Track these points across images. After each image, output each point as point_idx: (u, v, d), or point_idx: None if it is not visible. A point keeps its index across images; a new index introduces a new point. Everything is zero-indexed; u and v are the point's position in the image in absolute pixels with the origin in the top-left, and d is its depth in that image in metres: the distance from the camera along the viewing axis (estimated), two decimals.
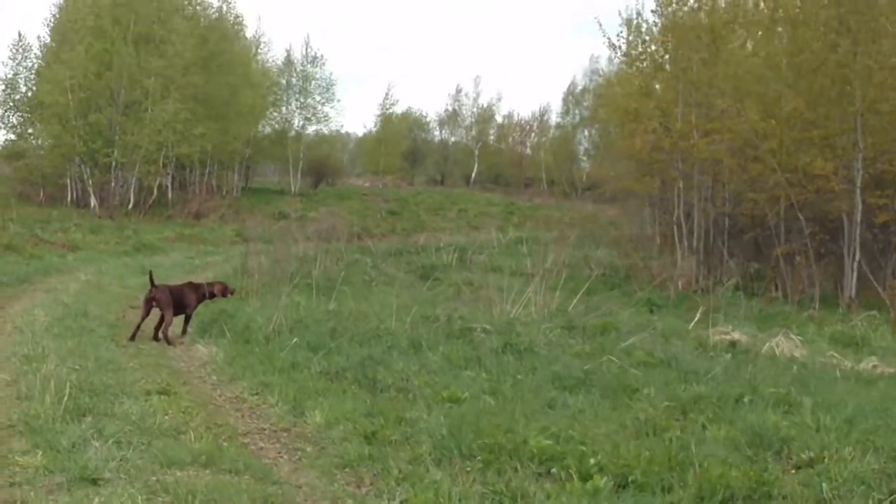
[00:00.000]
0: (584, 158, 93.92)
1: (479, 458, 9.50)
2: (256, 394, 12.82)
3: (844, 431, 10.61)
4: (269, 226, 45.16)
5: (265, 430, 11.30)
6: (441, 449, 9.82)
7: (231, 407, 12.32)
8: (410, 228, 46.98)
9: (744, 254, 27.04)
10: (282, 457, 10.27)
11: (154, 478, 8.97)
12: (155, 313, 17.18)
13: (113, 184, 46.17)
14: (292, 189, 68.32)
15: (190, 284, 17.87)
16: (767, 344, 16.52)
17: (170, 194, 51.93)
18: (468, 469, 9.31)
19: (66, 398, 11.14)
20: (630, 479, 8.85)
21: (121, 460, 9.35)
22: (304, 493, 9.04)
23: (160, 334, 16.86)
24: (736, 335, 17.19)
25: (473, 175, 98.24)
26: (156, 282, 17.11)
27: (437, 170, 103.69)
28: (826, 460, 9.52)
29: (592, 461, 9.21)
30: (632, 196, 42.30)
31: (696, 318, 18.08)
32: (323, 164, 76.67)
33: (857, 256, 24.10)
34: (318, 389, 12.43)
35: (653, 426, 10.76)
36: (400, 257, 30.50)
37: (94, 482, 8.80)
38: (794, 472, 9.48)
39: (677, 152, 27.03)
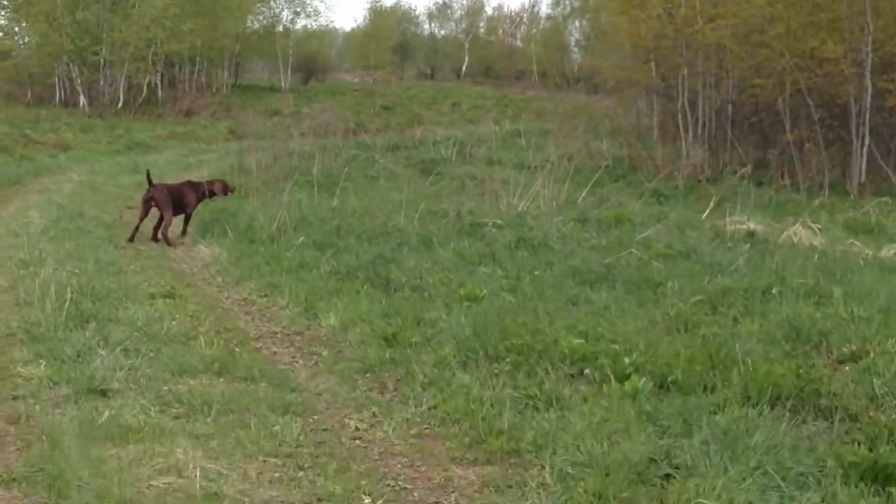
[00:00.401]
0: (576, 50, 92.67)
1: (506, 359, 8.92)
2: (265, 295, 12.25)
3: (882, 322, 10.01)
4: (262, 123, 44.32)
5: (277, 333, 10.76)
6: (465, 351, 9.26)
7: (240, 310, 11.76)
8: (405, 123, 46.13)
9: (749, 142, 26.28)
10: (297, 361, 9.73)
11: (166, 387, 8.44)
12: (153, 213, 16.56)
13: (102, 82, 45.20)
14: (283, 86, 67.18)
15: (189, 183, 17.23)
16: (785, 233, 15.93)
17: (159, 92, 50.89)
18: (496, 372, 8.75)
19: (67, 304, 10.57)
20: (670, 380, 8.27)
21: (129, 369, 8.81)
22: (325, 401, 8.50)
23: (160, 235, 16.27)
24: (751, 225, 16.60)
25: (464, 68, 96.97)
26: (153, 181, 16.41)
27: (426, 64, 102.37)
28: (871, 354, 8.92)
29: (627, 361, 8.64)
30: (628, 86, 41.42)
31: (709, 209, 17.46)
32: (313, 60, 75.46)
33: (867, 141, 23.40)
34: (329, 290, 11.83)
35: (683, 322, 10.20)
36: (398, 152, 29.76)
37: (103, 393, 8.27)
38: (838, 366, 8.88)
39: (681, 39, 26.13)
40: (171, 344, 9.72)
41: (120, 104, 45.81)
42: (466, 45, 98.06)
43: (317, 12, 67.85)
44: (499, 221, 15.24)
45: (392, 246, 14.28)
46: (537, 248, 14.08)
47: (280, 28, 69.21)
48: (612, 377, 8.31)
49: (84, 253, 14.20)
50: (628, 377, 8.31)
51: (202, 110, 46.59)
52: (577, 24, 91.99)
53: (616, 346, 9.03)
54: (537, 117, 50.06)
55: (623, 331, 9.75)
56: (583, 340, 9.14)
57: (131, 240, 16.13)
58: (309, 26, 74.64)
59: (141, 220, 16.43)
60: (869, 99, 22.80)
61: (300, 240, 14.17)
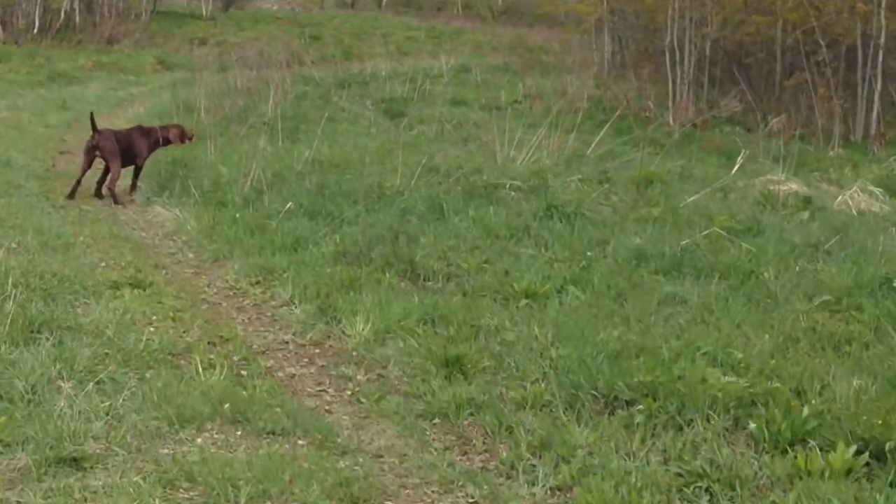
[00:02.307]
0: None
1: (634, 405, 6.29)
2: (257, 282, 9.56)
3: None
4: (189, 52, 41.00)
5: (288, 344, 8.12)
6: (567, 387, 6.59)
7: (231, 306, 9.06)
8: (341, 55, 42.94)
9: (738, 86, 23.63)
10: (327, 392, 7.15)
11: (165, 450, 5.80)
12: (97, 165, 13.64)
13: (15, 5, 41.35)
14: (203, 12, 63.14)
15: (140, 128, 14.32)
16: (840, 197, 13.42)
17: (76, 18, 46.96)
18: (627, 424, 6.11)
19: (11, 304, 7.66)
20: (888, 447, 5.69)
21: (108, 416, 6.05)
22: (393, 471, 5.89)
23: (104, 190, 13.38)
24: (794, 186, 14.05)
25: None
26: (98, 126, 13.47)
27: None
28: None
29: (806, 410, 6.04)
30: (568, 21, 38.79)
31: (738, 164, 14.90)
32: None
33: (878, 87, 20.87)
34: (343, 280, 9.16)
35: (829, 337, 7.64)
36: (349, 89, 26.74)
37: (76, 463, 5.58)
38: None
39: None
40: (156, 366, 7.02)
41: (35, 30, 42.02)
42: None
43: None
44: (517, 183, 12.49)
45: (394, 214, 11.55)
46: (572, 220, 11.48)
47: None
48: (788, 438, 5.73)
49: (19, 217, 11.31)
50: (809, 434, 5.74)
51: (124, 37, 42.94)
52: None
53: (777, 385, 6.40)
54: (475, 51, 47.12)
55: (759, 352, 7.15)
56: (733, 377, 6.51)
57: (71, 196, 13.31)
58: None
59: (83, 172, 13.58)
60: (883, 39, 20.17)
61: (288, 205, 11.32)
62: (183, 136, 14.41)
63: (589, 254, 10.03)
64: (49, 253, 9.89)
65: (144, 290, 8.98)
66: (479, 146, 17.15)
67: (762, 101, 23.06)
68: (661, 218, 11.42)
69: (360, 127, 19.41)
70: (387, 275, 9.36)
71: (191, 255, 10.72)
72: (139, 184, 14.12)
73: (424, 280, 9.41)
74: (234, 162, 14.78)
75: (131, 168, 14.00)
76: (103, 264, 9.86)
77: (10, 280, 8.25)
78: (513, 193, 12.38)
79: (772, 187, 14.02)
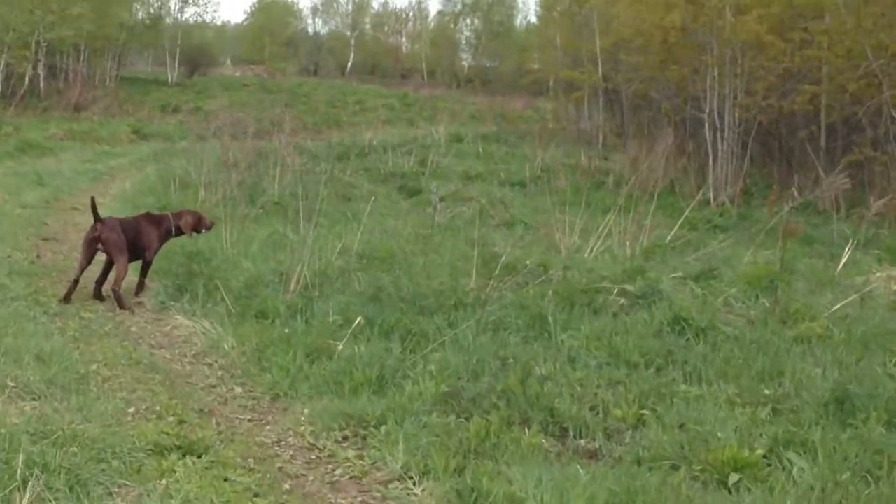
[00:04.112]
0: (466, 48, 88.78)
1: None
2: (345, 439, 6.94)
3: None
4: (162, 120, 38.48)
5: None
6: None
7: (321, 480, 6.61)
8: (321, 123, 40.57)
9: (777, 162, 21.26)
10: None
11: None
12: (97, 260, 11.00)
13: None
14: (169, 79, 60.78)
15: (149, 217, 11.72)
16: None
17: (40, 84, 44.16)
18: None
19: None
20: None
21: None
22: None
23: (110, 291, 10.75)
24: None
25: (349, 66, 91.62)
26: (100, 214, 10.89)
27: (310, 60, 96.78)
28: None
29: None
30: (569, 89, 36.62)
31: (844, 257, 12.46)
32: (200, 53, 69.14)
33: None
34: (470, 440, 6.46)
35: None
36: (348, 161, 24.22)
37: None
38: None
39: (711, 32, 20.94)
40: None
41: None
42: (352, 42, 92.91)
43: (205, 1, 61.72)
44: (629, 288, 9.94)
45: (485, 329, 8.95)
46: (709, 337, 8.90)
47: (169, 19, 62.74)
48: None
49: (9, 334, 8.67)
50: None
51: (92, 104, 40.23)
52: (468, 21, 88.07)
53: None
54: (455, 119, 44.82)
55: None
56: None
57: (67, 300, 10.72)
58: (197, 17, 68.33)
59: (81, 269, 10.97)
60: None
61: (357, 321, 8.68)
62: (199, 225, 11.83)
63: (767, 392, 7.46)
64: (59, 395, 7.26)
65: (200, 457, 6.31)
66: (530, 232, 14.60)
67: (802, 178, 20.69)
68: (826, 336, 8.87)
69: (381, 206, 16.81)
70: (525, 431, 6.71)
71: (238, 391, 8.08)
72: (146, 282, 11.44)
73: (575, 437, 6.75)
74: (257, 254, 12.19)
75: (136, 263, 11.33)
76: (133, 410, 7.24)
77: (21, 458, 5.56)
78: (621, 300, 9.79)
79: (895, 285, 11.56)
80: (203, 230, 11.91)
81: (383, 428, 6.86)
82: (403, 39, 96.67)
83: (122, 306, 10.70)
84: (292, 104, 50.56)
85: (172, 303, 10.67)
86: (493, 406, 7.15)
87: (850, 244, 12.39)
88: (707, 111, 21.01)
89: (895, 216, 17.04)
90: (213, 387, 8.23)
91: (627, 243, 13.21)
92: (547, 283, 10.63)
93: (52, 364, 7.97)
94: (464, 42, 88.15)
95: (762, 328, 9.28)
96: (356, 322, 8.72)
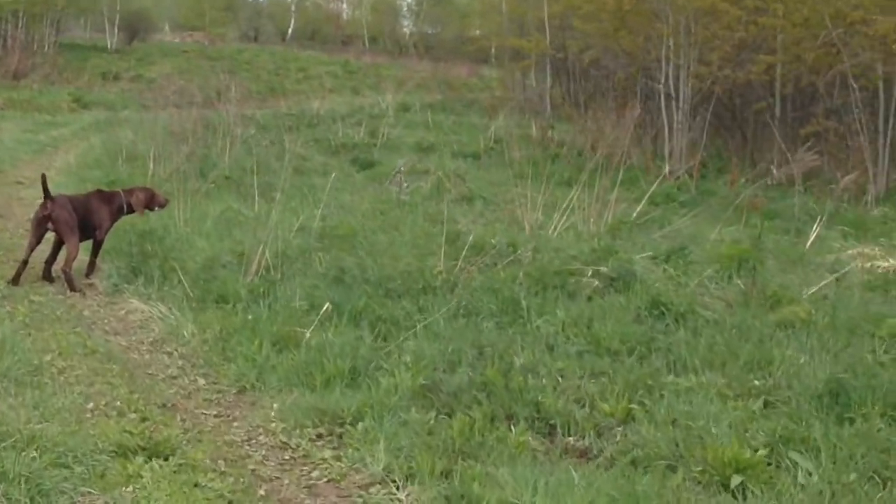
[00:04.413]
0: (407, 15, 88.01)
1: None
2: (320, 437, 6.57)
3: None
4: (103, 88, 37.60)
5: None
6: None
7: (297, 484, 6.19)
8: (266, 92, 39.86)
9: (741, 134, 20.89)
10: None
11: None
12: (47, 239, 10.50)
13: None
14: (109, 45, 59.49)
15: (100, 194, 11.18)
16: None
17: None
18: None
19: None
20: None
21: None
22: None
23: (60, 272, 10.24)
24: (894, 262, 11.38)
25: (290, 32, 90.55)
26: (51, 191, 10.37)
27: (250, 26, 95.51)
28: None
29: None
30: (516, 57, 36.19)
31: (813, 234, 12.20)
32: (139, 18, 67.76)
33: None
34: (454, 439, 6.11)
35: None
36: (298, 132, 23.63)
37: None
38: None
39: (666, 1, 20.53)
40: None
41: None
42: (293, 8, 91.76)
43: None
44: (603, 270, 9.59)
45: (456, 314, 8.58)
46: (689, 323, 8.61)
47: None
48: None
49: None
50: None
51: (31, 72, 39.16)
52: None
53: None
54: (400, 87, 44.20)
55: None
56: None
57: (16, 281, 10.23)
58: None
59: (31, 249, 10.47)
60: None
61: (325, 307, 8.26)
62: (152, 203, 11.33)
63: (757, 383, 7.15)
64: (12, 389, 6.76)
65: (167, 459, 5.88)
66: (490, 208, 14.23)
67: (757, 150, 20.44)
68: (810, 321, 8.57)
69: (335, 180, 16.29)
70: (511, 428, 6.34)
71: (202, 382, 7.65)
72: (97, 262, 10.93)
73: (563, 434, 6.39)
74: (211, 232, 11.71)
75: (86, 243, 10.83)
76: (92, 406, 6.79)
77: None
78: (595, 283, 9.43)
79: (867, 264, 11.31)
80: (156, 208, 11.41)
81: (360, 425, 6.47)
82: (344, 5, 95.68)
83: (72, 288, 10.21)
84: (235, 71, 49.76)
85: (126, 285, 10.19)
86: (475, 400, 6.78)
87: (818, 221, 12.07)
88: (662, 81, 20.63)
89: (856, 190, 16.79)
90: (175, 378, 7.78)
91: (591, 220, 12.82)
92: (516, 263, 10.26)
93: (2, 354, 7.46)
94: (405, 8, 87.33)
95: (742, 312, 8.98)
96: (324, 308, 8.30)
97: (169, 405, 7.06)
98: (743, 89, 21.22)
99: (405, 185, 12.42)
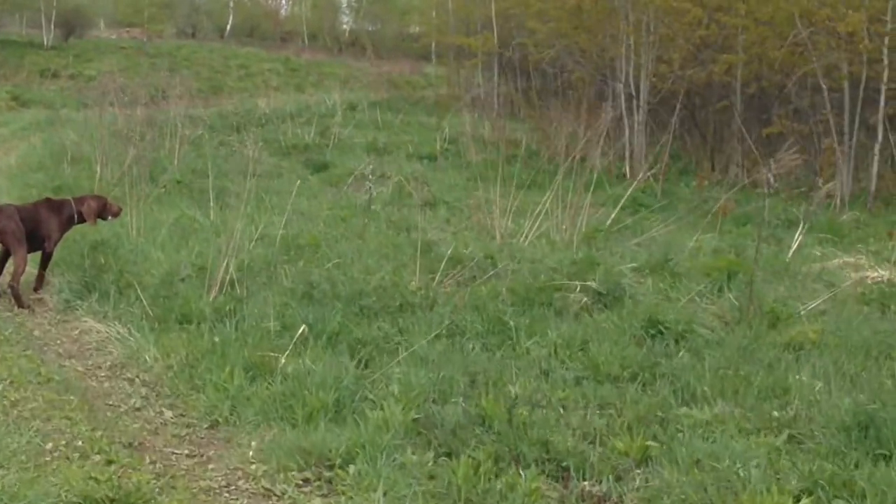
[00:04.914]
0: (347, 11, 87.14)
1: None
2: (306, 482, 6.00)
3: None
4: (41, 86, 36.48)
5: None
6: None
7: None
8: (208, 90, 38.90)
9: (694, 135, 20.34)
10: None
11: None
12: None
13: None
14: (45, 41, 58.01)
15: (48, 203, 10.37)
16: None
17: None
18: None
19: None
20: None
21: None
22: None
23: (6, 287, 9.50)
24: (884, 273, 10.87)
25: (228, 28, 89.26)
26: None
27: (187, 22, 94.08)
28: None
29: None
30: (464, 56, 35.57)
31: (796, 242, 11.66)
32: (76, 14, 66.25)
33: (881, 137, 17.64)
34: (460, 489, 5.46)
35: None
36: (246, 132, 22.80)
37: None
38: None
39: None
40: None
41: None
42: (231, 4, 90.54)
43: None
44: (593, 285, 8.96)
45: (436, 333, 7.93)
46: (689, 344, 8.00)
47: None
48: None
49: None
50: None
51: None
52: None
53: None
54: (344, 86, 43.46)
55: None
56: None
57: None
58: None
59: None
60: (885, 82, 16.96)
61: (301, 329, 7.56)
62: (104, 212, 10.56)
63: (776, 414, 6.55)
64: None
65: None
66: (455, 214, 13.59)
67: (718, 151, 19.96)
68: (821, 342, 8.00)
69: (289, 184, 15.57)
70: (521, 472, 5.68)
71: (169, 415, 6.92)
72: (45, 275, 10.16)
73: (578, 479, 5.75)
74: (167, 242, 10.96)
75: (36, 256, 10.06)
76: (51, 446, 6.07)
77: None
78: (584, 299, 8.80)
79: (856, 274, 10.80)
80: (109, 217, 10.62)
81: (352, 468, 5.79)
82: (283, 1, 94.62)
83: (20, 304, 9.46)
84: (175, 69, 48.72)
85: (79, 301, 9.45)
86: (476, 438, 6.09)
87: (800, 228, 11.54)
88: (622, 81, 20.04)
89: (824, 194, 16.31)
90: (139, 410, 7.06)
91: (564, 228, 12.21)
92: (496, 278, 9.57)
93: None
94: (345, 4, 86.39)
95: (741, 330, 8.36)
96: (299, 331, 7.57)
97: (136, 443, 6.34)
98: (703, 89, 20.68)
99: (372, 191, 11.65)
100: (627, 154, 19.24)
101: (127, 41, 67.58)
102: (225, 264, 9.12)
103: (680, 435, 6.25)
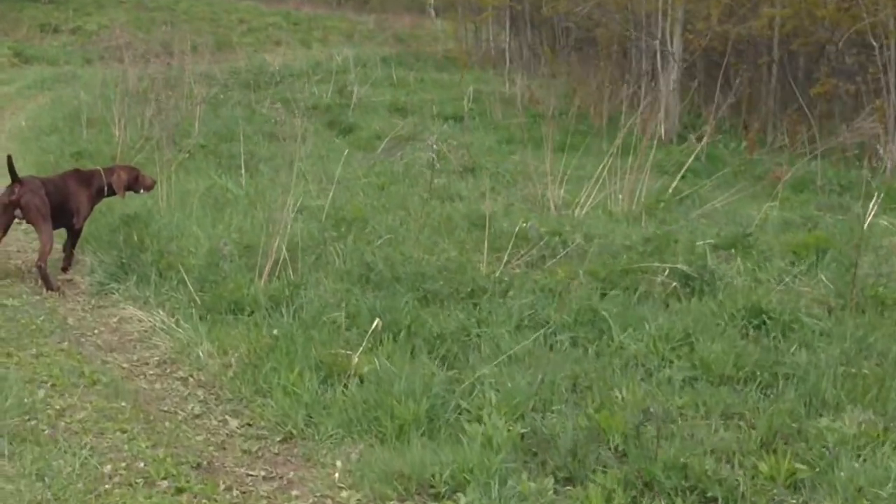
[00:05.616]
0: None
1: None
2: None
3: None
4: (43, 41, 35.38)
5: None
6: None
7: None
8: (213, 45, 37.67)
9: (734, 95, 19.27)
10: None
11: None
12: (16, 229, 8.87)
13: None
14: None
15: (77, 174, 9.44)
16: None
17: None
18: None
19: None
20: None
21: None
22: None
23: (34, 268, 8.58)
24: None
25: None
26: (18, 173, 8.67)
27: None
28: None
29: None
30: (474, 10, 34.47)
31: (872, 208, 10.74)
32: None
33: None
34: None
35: None
36: (260, 91, 21.84)
37: None
38: None
39: None
40: None
41: None
42: None
43: None
44: (683, 267, 8.08)
45: (522, 325, 7.07)
46: (796, 333, 7.16)
47: None
48: None
49: None
50: None
51: None
52: None
53: None
54: (348, 40, 42.43)
55: None
56: None
57: None
58: None
59: None
60: None
61: (375, 323, 6.65)
62: (136, 184, 9.64)
63: None
64: (4, 446, 5.15)
65: None
66: (500, 182, 12.70)
67: (752, 111, 19.02)
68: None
69: (316, 148, 14.67)
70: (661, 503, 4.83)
71: (234, 425, 6.09)
72: (74, 253, 9.28)
73: None
74: (200, 215, 10.05)
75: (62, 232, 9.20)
76: (109, 470, 5.19)
77: None
78: (674, 283, 7.93)
79: None
80: (141, 190, 9.70)
81: (463, 499, 4.91)
82: None
83: (49, 287, 8.58)
84: (174, 23, 47.48)
85: (114, 284, 8.56)
86: (596, 458, 5.24)
87: (875, 198, 10.61)
88: (658, 37, 19.04)
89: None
90: (198, 417, 6.20)
91: (620, 197, 11.33)
92: (567, 258, 8.69)
93: None
94: None
95: (852, 319, 7.48)
96: (374, 325, 6.68)
97: (204, 463, 5.47)
98: (739, 47, 19.69)
99: (435, 162, 10.67)
100: (662, 115, 18.27)
101: None
102: (276, 243, 8.20)
103: (825, 453, 5.37)
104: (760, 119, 18.50)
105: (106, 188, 9.40)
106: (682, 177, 13.26)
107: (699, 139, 15.10)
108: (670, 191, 11.83)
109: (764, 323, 7.30)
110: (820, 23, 16.62)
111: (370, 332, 6.65)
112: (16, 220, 8.81)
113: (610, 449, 5.45)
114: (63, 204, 9.00)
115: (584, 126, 18.06)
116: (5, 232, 8.82)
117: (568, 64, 25.08)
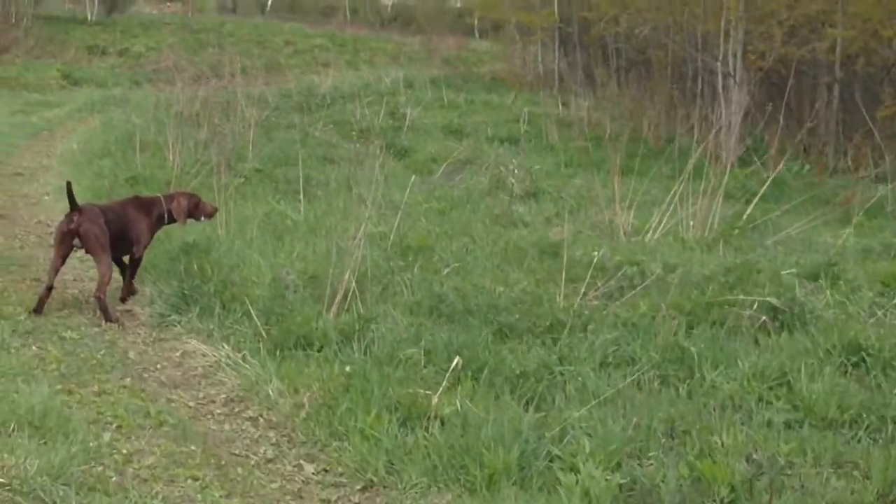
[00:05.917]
0: None
1: None
2: None
3: None
4: (91, 63, 35.34)
5: None
6: None
7: None
8: (259, 67, 37.53)
9: (794, 117, 18.80)
10: None
11: None
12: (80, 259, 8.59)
13: None
14: (89, 17, 56.74)
15: (137, 201, 9.11)
16: None
17: None
18: None
19: None
20: None
21: None
22: None
23: (93, 299, 8.26)
24: None
25: (269, 3, 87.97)
26: (77, 200, 8.37)
27: None
28: None
29: None
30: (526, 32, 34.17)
31: None
32: None
33: None
34: None
35: None
36: (311, 113, 21.56)
37: None
38: None
39: None
40: None
41: None
42: None
43: None
44: (773, 300, 7.68)
45: (607, 363, 6.67)
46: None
47: None
48: None
49: None
50: None
51: (13, 46, 36.69)
52: None
53: None
54: (394, 62, 42.25)
55: None
56: None
57: (39, 310, 8.17)
58: None
59: (56, 271, 8.49)
60: None
61: (455, 361, 6.27)
62: (196, 211, 9.33)
63: None
64: (72, 497, 4.82)
65: None
66: (564, 207, 12.32)
67: (812, 134, 18.53)
68: None
69: (372, 172, 14.27)
70: None
71: (309, 471, 5.74)
72: (134, 284, 8.97)
73: None
74: (260, 243, 9.71)
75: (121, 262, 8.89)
76: None
77: None
78: (762, 318, 7.51)
79: None
80: (202, 218, 9.37)
81: None
82: None
83: (108, 318, 8.24)
84: (222, 45, 47.45)
85: (175, 316, 8.20)
86: None
87: None
88: (720, 57, 18.59)
89: None
90: (271, 461, 5.85)
91: (692, 223, 10.91)
92: (648, 289, 8.29)
93: (50, 437, 5.50)
94: None
95: None
96: (454, 363, 6.30)
97: None
98: (800, 68, 19.21)
99: (514, 188, 10.24)
100: (723, 138, 17.81)
101: (170, 16, 66.31)
102: (346, 275, 7.84)
103: None
104: (821, 141, 17.99)
105: (166, 215, 9.07)
106: (748, 202, 12.84)
107: (766, 164, 14.63)
108: (745, 217, 11.36)
109: (864, 360, 6.86)
110: (886, 43, 16.10)
111: (450, 370, 6.25)
112: (74, 249, 8.47)
113: (716, 501, 5.01)
114: (123, 232, 8.70)
115: (646, 149, 17.62)
116: (63, 261, 8.52)
117: (620, 86, 24.64)
